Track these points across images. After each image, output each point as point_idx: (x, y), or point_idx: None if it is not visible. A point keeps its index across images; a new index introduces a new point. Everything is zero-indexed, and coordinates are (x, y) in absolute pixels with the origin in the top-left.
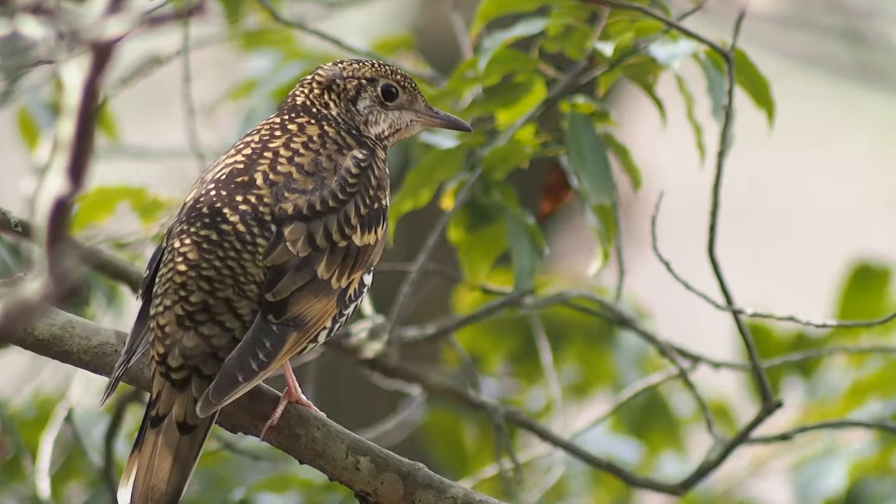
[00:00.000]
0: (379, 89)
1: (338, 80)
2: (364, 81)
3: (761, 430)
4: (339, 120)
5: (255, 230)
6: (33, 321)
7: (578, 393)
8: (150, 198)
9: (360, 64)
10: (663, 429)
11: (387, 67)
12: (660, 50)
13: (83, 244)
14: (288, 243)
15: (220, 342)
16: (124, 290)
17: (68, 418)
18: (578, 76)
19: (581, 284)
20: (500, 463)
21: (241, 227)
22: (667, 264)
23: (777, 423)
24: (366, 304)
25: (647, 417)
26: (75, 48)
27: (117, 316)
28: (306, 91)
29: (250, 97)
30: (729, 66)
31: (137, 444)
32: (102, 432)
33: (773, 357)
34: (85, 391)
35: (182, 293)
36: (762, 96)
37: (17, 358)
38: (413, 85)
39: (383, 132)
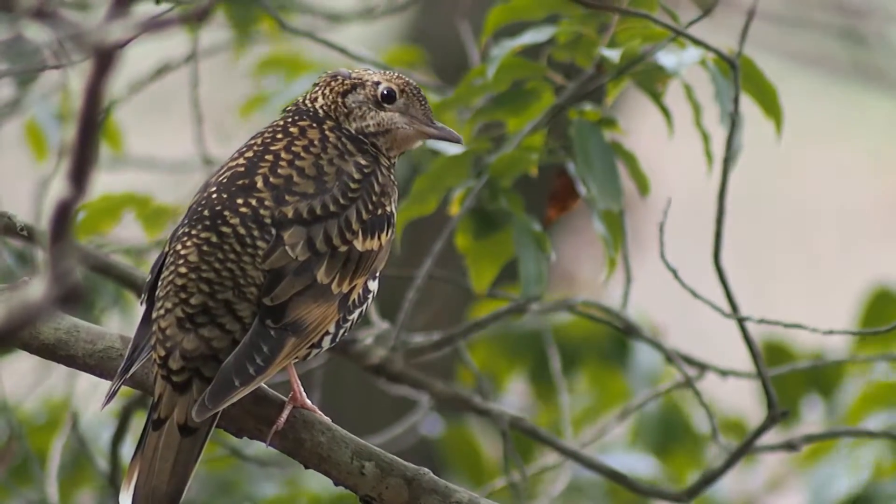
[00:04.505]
0: (378, 89)
1: (339, 77)
2: (366, 80)
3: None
4: (333, 118)
5: (255, 233)
6: (38, 325)
7: (593, 413)
8: (154, 206)
9: (372, 71)
10: (686, 449)
11: (394, 74)
12: (667, 58)
13: (86, 248)
14: (287, 247)
15: (220, 344)
16: (131, 293)
17: (75, 424)
18: (586, 83)
19: (596, 297)
20: (506, 468)
21: (241, 230)
22: (674, 272)
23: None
24: (371, 311)
25: (668, 439)
26: (79, 53)
27: (125, 319)
28: (308, 93)
29: (262, 112)
30: (735, 73)
31: (139, 448)
32: (110, 437)
33: (788, 375)
34: (93, 395)
35: (182, 295)
36: (770, 104)
37: (27, 361)
38: (414, 91)
39: (367, 127)
